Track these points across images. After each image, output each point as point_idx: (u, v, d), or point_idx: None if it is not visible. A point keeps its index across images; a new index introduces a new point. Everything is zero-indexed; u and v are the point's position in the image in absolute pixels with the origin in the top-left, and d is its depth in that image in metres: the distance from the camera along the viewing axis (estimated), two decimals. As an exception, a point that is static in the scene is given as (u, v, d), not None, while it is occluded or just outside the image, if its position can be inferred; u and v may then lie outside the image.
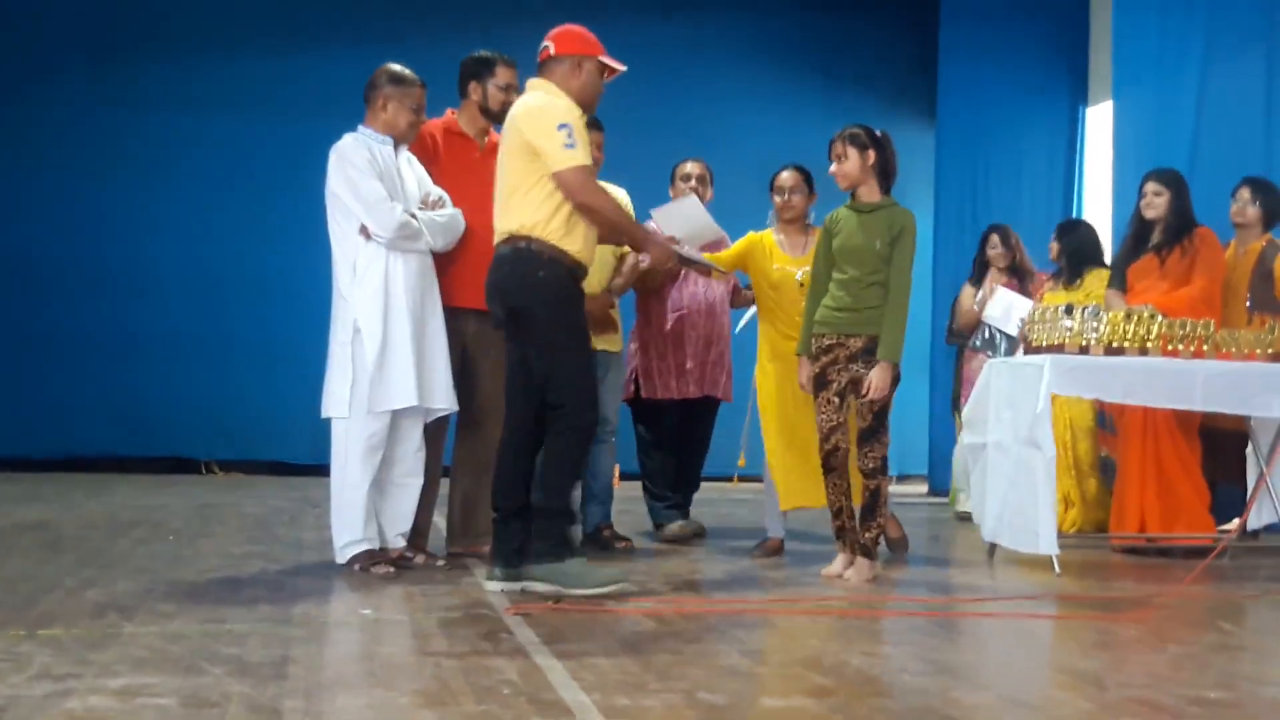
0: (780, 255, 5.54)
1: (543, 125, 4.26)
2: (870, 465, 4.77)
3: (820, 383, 4.87)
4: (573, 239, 4.33)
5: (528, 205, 4.29)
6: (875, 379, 4.70)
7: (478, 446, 5.26)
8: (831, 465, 4.86)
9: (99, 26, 10.11)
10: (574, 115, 4.33)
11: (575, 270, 4.38)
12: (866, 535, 4.80)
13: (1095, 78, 9.49)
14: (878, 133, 4.87)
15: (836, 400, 4.83)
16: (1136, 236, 6.08)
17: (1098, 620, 4.06)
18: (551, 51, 4.43)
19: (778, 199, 5.60)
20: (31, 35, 9.99)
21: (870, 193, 4.87)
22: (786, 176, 5.60)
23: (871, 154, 4.82)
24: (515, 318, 4.34)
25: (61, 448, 9.88)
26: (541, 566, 4.24)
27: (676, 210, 5.46)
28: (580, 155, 4.27)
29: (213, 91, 10.12)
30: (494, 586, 4.33)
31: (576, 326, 4.39)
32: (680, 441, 6.22)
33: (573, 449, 4.33)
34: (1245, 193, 6.15)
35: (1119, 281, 6.10)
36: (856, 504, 4.88)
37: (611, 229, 4.51)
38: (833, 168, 4.87)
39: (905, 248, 4.81)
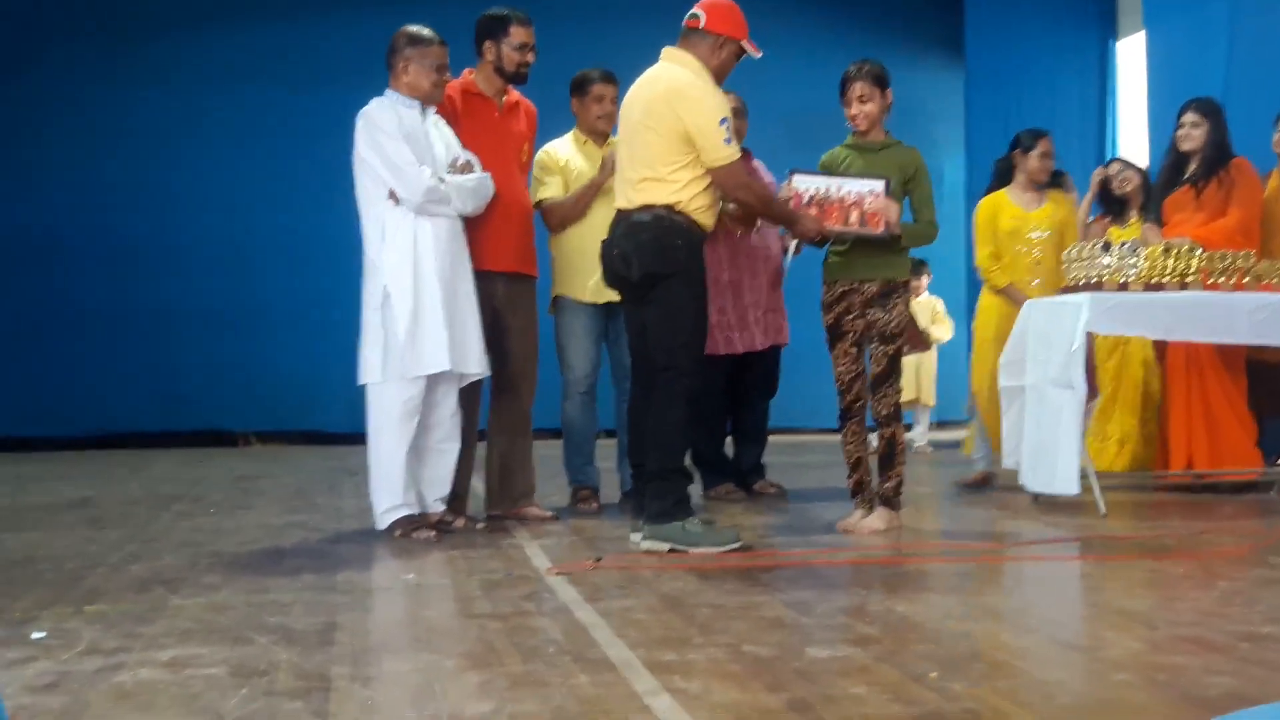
0: (1013, 207, 6.27)
1: (706, 118, 4.32)
2: (885, 411, 4.71)
3: (836, 333, 4.78)
4: (709, 215, 4.47)
5: (675, 182, 4.35)
6: (888, 208, 4.56)
7: (512, 409, 5.26)
8: (851, 414, 4.79)
9: (116, 5, 10.11)
10: (727, 107, 4.42)
11: (704, 240, 4.52)
12: (886, 485, 4.74)
13: (1124, 10, 9.35)
14: None
15: (854, 350, 4.75)
16: (1174, 168, 5.96)
17: (1145, 560, 4.02)
18: (701, 24, 4.44)
19: (1038, 161, 6.26)
20: (46, 9, 9.98)
21: (878, 132, 4.78)
22: (1046, 142, 6.26)
23: (889, 93, 4.74)
24: (648, 283, 4.37)
25: (98, 425, 9.98)
26: (662, 526, 4.29)
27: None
28: (736, 149, 4.40)
29: (235, 61, 10.13)
30: (636, 539, 4.40)
31: (700, 296, 4.47)
32: (741, 396, 6.12)
33: (680, 411, 4.36)
34: None
35: (1155, 215, 5.99)
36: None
37: (760, 213, 4.90)
38: (853, 109, 4.73)
39: (924, 185, 4.75)
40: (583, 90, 5.63)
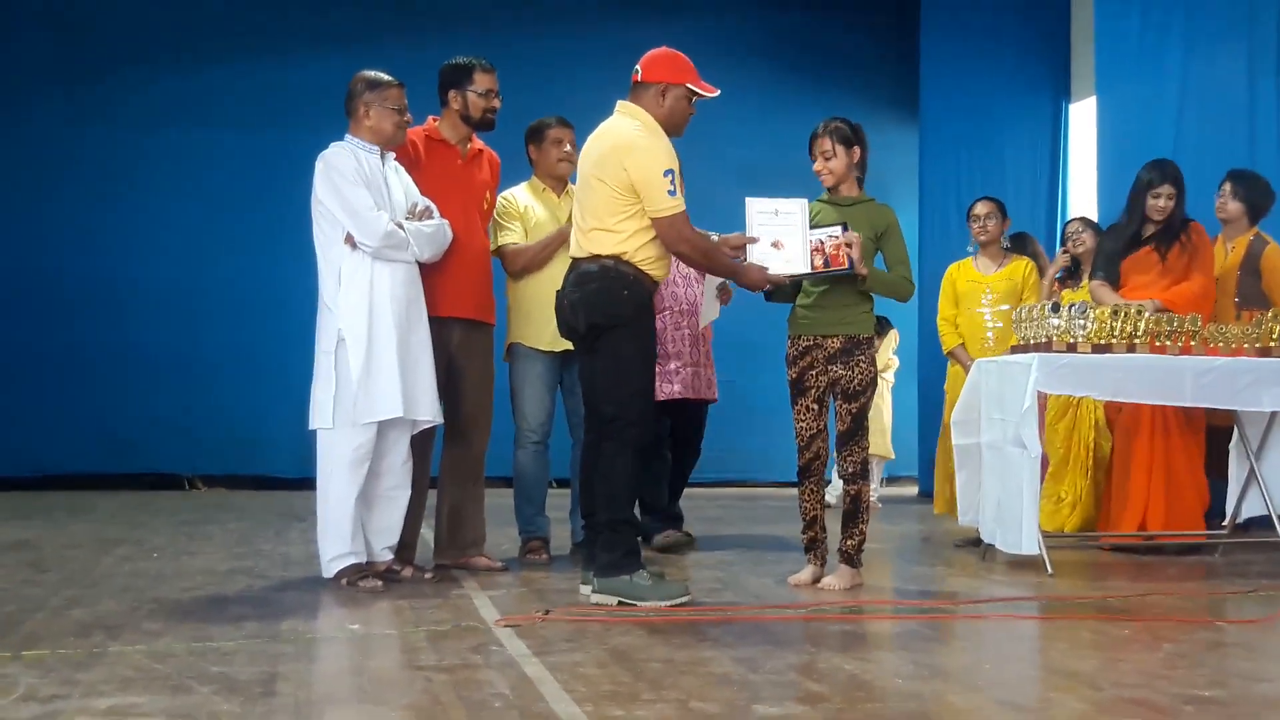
0: (971, 271, 6.42)
1: (650, 170, 4.35)
2: (850, 469, 4.71)
3: (799, 388, 4.77)
4: (658, 266, 4.48)
5: (621, 232, 4.38)
6: (849, 239, 4.55)
7: (465, 457, 5.23)
8: (810, 472, 4.78)
9: (65, 43, 10.01)
10: (674, 158, 4.43)
11: (652, 292, 4.53)
12: (849, 542, 4.74)
13: (1078, 73, 9.52)
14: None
15: (815, 407, 4.75)
16: (1137, 232, 5.96)
17: (1091, 620, 4.04)
18: (639, 77, 4.49)
19: (974, 225, 6.37)
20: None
21: (850, 187, 4.82)
22: (980, 206, 6.39)
23: (856, 150, 4.77)
24: (595, 332, 4.40)
25: (41, 466, 9.79)
26: (610, 579, 4.29)
27: (775, 208, 4.76)
28: (680, 201, 4.39)
29: (182, 101, 10.04)
30: (586, 591, 4.39)
31: (647, 346, 4.48)
32: (673, 448, 6.13)
33: (629, 461, 4.37)
34: (1227, 187, 6.14)
35: (1104, 273, 6.00)
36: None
37: (701, 267, 4.90)
38: (818, 165, 4.77)
39: (897, 242, 4.78)
40: (540, 136, 5.67)
